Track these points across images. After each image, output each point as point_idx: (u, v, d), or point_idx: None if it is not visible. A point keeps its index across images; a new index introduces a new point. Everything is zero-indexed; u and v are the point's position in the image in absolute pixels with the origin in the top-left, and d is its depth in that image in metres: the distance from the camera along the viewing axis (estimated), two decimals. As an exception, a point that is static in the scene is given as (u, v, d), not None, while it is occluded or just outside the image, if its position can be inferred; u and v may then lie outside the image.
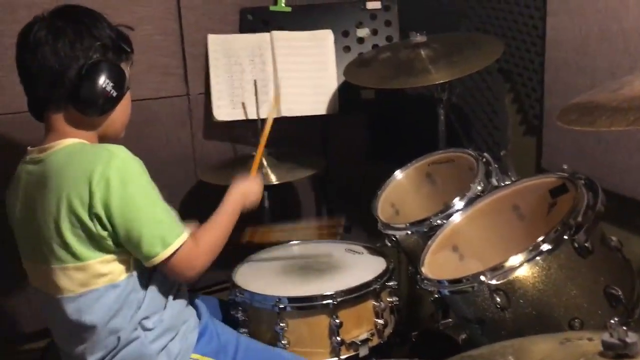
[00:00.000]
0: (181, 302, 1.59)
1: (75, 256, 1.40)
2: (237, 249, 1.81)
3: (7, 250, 1.65)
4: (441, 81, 1.99)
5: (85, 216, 1.37)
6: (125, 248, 1.43)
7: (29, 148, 1.51)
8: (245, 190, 1.70)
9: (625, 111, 1.12)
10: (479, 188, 1.72)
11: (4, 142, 2.11)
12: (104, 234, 1.39)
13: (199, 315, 1.64)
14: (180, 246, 1.43)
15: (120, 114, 1.53)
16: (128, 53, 1.53)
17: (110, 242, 1.41)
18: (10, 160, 1.59)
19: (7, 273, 2.18)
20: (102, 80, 1.43)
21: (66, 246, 1.40)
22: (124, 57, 1.51)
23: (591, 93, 1.34)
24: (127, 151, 1.42)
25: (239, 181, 1.71)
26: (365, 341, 1.72)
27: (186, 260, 1.45)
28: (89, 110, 1.45)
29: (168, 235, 1.42)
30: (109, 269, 1.43)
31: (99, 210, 1.36)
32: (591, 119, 1.18)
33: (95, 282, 1.43)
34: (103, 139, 1.53)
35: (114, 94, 1.45)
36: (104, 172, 1.36)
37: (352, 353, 1.71)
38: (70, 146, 1.45)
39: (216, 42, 2.36)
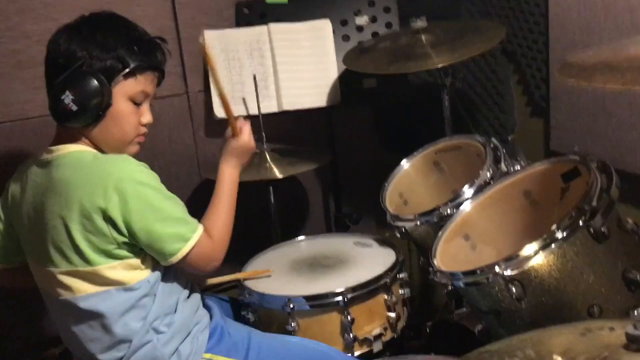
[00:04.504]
0: (193, 304, 1.57)
1: (85, 260, 1.40)
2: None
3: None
4: (442, 65, 1.94)
5: (100, 222, 1.37)
6: (136, 254, 1.43)
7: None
8: (234, 157, 1.64)
9: (623, 71, 1.07)
10: (488, 175, 1.68)
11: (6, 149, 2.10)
12: (121, 239, 1.40)
13: (210, 316, 1.62)
14: (198, 240, 1.45)
15: (108, 129, 1.45)
16: (134, 67, 1.43)
17: (122, 249, 1.41)
18: (14, 167, 1.59)
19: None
20: (65, 93, 1.36)
21: (77, 250, 1.39)
22: (118, 71, 1.42)
23: (596, 49, 1.29)
24: (132, 158, 1.44)
25: (225, 151, 1.64)
26: (378, 336, 1.70)
27: (204, 252, 1.47)
28: (58, 121, 1.43)
29: (186, 230, 1.44)
30: (117, 275, 1.42)
31: (117, 218, 1.37)
32: (588, 75, 1.14)
33: (104, 286, 1.42)
34: (104, 149, 1.48)
35: (74, 109, 1.37)
36: (117, 181, 1.37)
37: (365, 349, 1.68)
38: (78, 152, 1.44)
39: (213, 38, 2.31)
